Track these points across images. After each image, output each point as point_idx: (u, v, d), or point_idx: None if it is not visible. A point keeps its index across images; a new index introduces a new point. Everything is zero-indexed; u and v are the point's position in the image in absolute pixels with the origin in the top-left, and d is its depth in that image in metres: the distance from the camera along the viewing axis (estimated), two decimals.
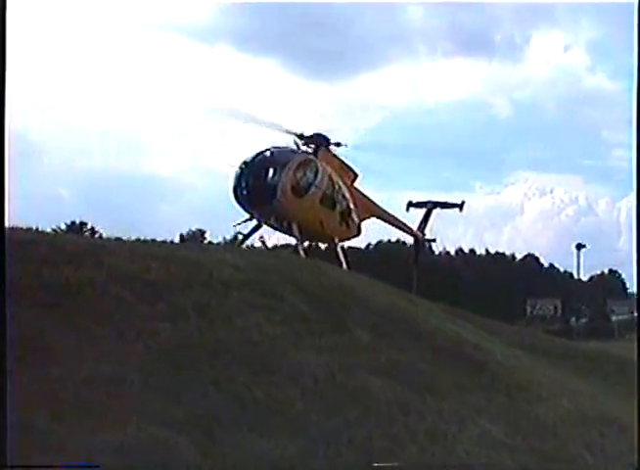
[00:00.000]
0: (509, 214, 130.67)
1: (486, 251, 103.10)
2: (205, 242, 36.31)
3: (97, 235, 50.88)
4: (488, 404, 16.47)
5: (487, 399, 16.80)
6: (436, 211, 44.18)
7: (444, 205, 43.09)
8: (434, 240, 44.01)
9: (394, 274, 41.48)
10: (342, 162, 35.75)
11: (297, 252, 32.59)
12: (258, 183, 32.53)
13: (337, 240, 35.25)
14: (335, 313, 18.01)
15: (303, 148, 34.80)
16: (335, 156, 35.41)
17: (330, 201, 34.15)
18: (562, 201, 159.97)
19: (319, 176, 33.64)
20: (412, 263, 45.34)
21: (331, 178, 34.28)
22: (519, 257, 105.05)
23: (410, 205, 42.47)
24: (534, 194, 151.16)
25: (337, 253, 35.26)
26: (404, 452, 13.73)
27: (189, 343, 15.08)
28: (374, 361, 16.56)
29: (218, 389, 14.07)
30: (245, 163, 33.00)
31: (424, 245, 43.59)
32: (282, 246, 39.90)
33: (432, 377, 16.80)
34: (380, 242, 67.23)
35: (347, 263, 34.77)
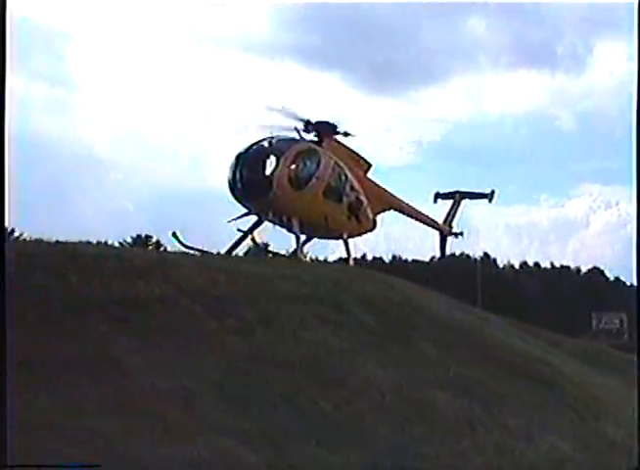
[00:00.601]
0: (574, 227, 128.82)
1: (551, 264, 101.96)
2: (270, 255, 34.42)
3: (162, 248, 51.19)
4: (556, 420, 16.39)
5: (555, 414, 16.72)
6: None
7: (473, 195, 39.05)
8: (461, 233, 38.73)
9: (459, 288, 41.26)
10: (352, 151, 32.70)
11: (299, 253, 29.67)
12: (253, 175, 29.41)
13: (345, 236, 31.86)
14: (401, 327, 18.05)
15: (307, 136, 31.58)
16: (343, 144, 32.29)
17: (335, 193, 30.90)
18: (628, 214, 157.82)
19: (322, 167, 30.43)
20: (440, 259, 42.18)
21: (336, 169, 31.10)
22: (584, 270, 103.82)
23: (437, 196, 38.51)
24: (599, 206, 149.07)
25: (347, 249, 31.97)
26: (471, 467, 13.70)
27: (257, 356, 15.19)
28: (440, 376, 16.55)
29: (287, 402, 14.15)
30: (240, 153, 29.98)
31: (457, 237, 38.29)
32: (339, 259, 39.26)
33: (498, 392, 16.76)
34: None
35: (354, 260, 32.22)
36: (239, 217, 30.13)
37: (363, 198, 32.15)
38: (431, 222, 37.72)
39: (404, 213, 35.93)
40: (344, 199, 31.29)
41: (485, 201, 39.21)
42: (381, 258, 50.85)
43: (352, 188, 31.68)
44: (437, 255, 39.93)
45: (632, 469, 13.80)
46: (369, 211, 32.67)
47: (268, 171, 29.53)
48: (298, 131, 31.14)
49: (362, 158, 33.13)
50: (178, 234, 29.10)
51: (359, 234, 33.07)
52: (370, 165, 33.54)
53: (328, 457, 13.06)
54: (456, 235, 38.57)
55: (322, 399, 14.45)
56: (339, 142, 32.11)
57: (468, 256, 63.53)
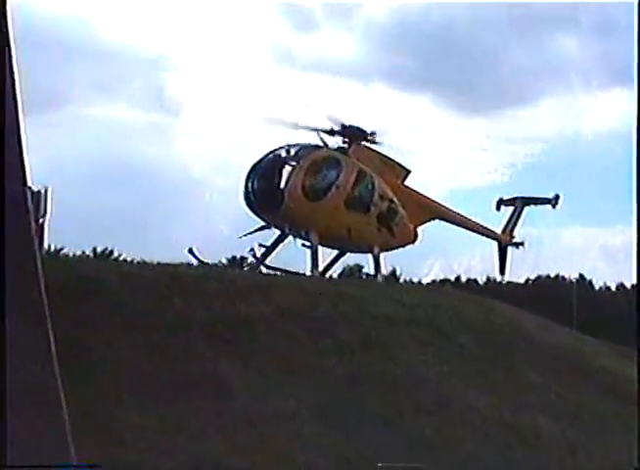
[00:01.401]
0: None
1: None
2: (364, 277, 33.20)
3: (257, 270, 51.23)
4: None
5: None
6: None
7: (536, 200, 34.60)
8: (521, 244, 34.24)
9: (554, 310, 40.48)
10: (385, 156, 29.43)
11: (313, 269, 26.35)
12: (266, 186, 26.96)
13: (376, 250, 28.39)
14: (501, 350, 17.93)
15: (332, 143, 28.57)
16: (373, 150, 29.17)
17: (361, 203, 27.87)
18: None
19: (342, 175, 27.48)
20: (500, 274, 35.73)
21: (362, 176, 28.07)
22: None
23: (501, 202, 34.23)
24: None
25: (376, 264, 28.33)
26: None
27: (357, 378, 15.25)
28: (541, 400, 16.43)
29: (386, 424, 14.19)
30: (255, 163, 27.55)
31: (517, 247, 33.82)
32: (441, 281, 38.64)
33: (600, 416, 16.57)
34: (538, 277, 66.13)
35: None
36: (254, 232, 27.92)
37: (398, 207, 29.14)
38: (486, 232, 33.78)
39: (453, 223, 32.39)
40: (372, 209, 28.37)
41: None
42: (475, 280, 50.18)
43: (382, 197, 28.73)
44: (497, 268, 35.41)
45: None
46: (406, 221, 29.55)
47: (279, 183, 27.29)
48: (321, 137, 28.58)
49: (398, 164, 30.07)
50: (194, 249, 26.74)
51: (394, 247, 29.80)
52: (408, 172, 30.32)
53: None
54: (517, 245, 34.33)
55: (422, 421, 14.47)
56: (368, 148, 29.37)
57: (563, 277, 62.54)
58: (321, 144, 28.41)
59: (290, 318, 16.69)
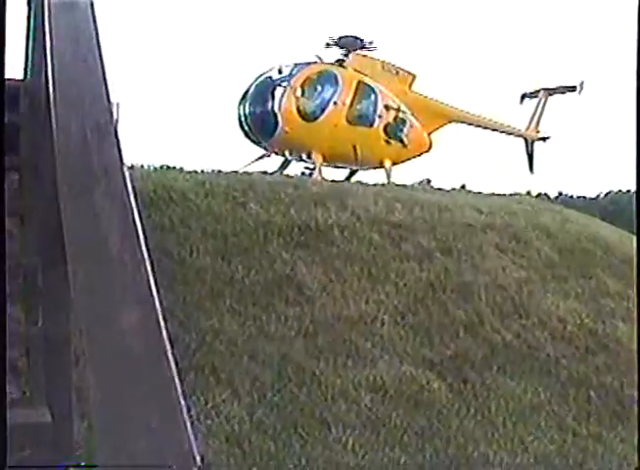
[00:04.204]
0: None
1: None
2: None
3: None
4: None
5: None
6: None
7: (560, 89, 31.07)
8: (548, 137, 31.03)
9: (627, 225, 39.91)
10: (387, 63, 26.82)
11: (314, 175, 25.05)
12: (258, 112, 24.98)
13: (388, 164, 26.29)
14: (579, 258, 17.74)
15: (327, 57, 26.27)
16: (373, 58, 26.71)
17: (364, 116, 25.90)
18: None
19: (340, 89, 25.37)
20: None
21: (363, 88, 25.87)
22: None
23: (524, 96, 31.27)
24: None
25: (388, 179, 26.00)
26: None
27: (437, 284, 15.19)
28: (621, 307, 16.27)
29: (468, 330, 14.17)
30: (247, 88, 25.59)
31: (544, 141, 30.74)
32: (510, 194, 38.00)
33: None
34: (610, 192, 65.43)
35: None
36: (255, 161, 26.05)
37: (406, 116, 26.84)
38: (510, 130, 30.80)
39: (472, 125, 29.70)
40: (377, 121, 26.23)
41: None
42: (546, 194, 49.93)
43: (388, 107, 26.39)
44: (527, 166, 31.58)
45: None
46: (418, 129, 27.26)
47: (271, 106, 25.04)
48: (319, 56, 26.34)
49: (402, 69, 27.40)
50: None
51: (408, 159, 27.58)
52: (414, 77, 27.50)
53: (510, 384, 13.10)
54: (544, 139, 31.07)
55: (504, 328, 14.42)
56: (367, 56, 26.93)
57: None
58: (316, 60, 26.25)
59: (367, 224, 16.58)
